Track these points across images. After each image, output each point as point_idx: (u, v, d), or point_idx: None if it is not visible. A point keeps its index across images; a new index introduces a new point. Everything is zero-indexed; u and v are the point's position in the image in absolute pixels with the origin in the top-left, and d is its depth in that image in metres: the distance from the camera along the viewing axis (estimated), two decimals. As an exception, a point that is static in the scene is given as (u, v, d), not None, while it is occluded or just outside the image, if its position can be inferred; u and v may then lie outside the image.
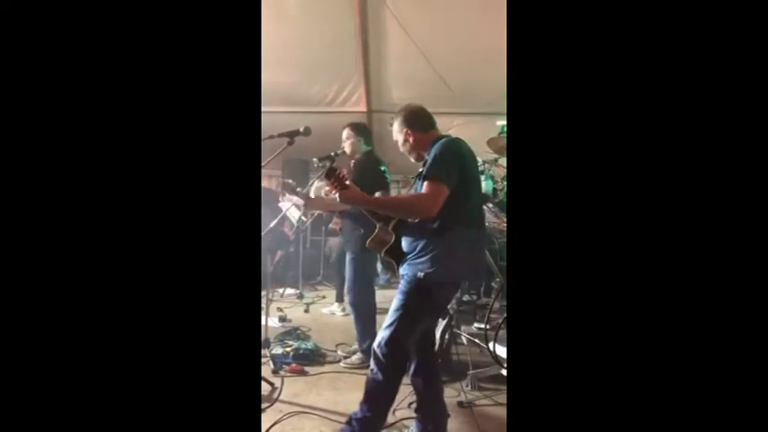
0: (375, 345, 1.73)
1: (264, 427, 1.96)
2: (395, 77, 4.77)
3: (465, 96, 4.66)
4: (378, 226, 1.89)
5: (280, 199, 4.15)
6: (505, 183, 2.85)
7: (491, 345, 2.21)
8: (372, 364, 1.73)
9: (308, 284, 5.44)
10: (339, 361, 2.83)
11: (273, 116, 3.86)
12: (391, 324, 1.69)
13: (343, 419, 2.08)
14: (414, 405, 1.92)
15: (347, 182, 1.70)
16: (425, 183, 1.64)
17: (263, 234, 2.56)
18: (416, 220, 1.73)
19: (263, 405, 2.20)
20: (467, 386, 2.46)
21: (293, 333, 3.32)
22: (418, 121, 1.85)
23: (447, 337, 2.65)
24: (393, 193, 3.46)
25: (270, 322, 3.09)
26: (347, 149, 2.82)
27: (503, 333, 2.27)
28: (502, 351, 2.29)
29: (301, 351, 2.90)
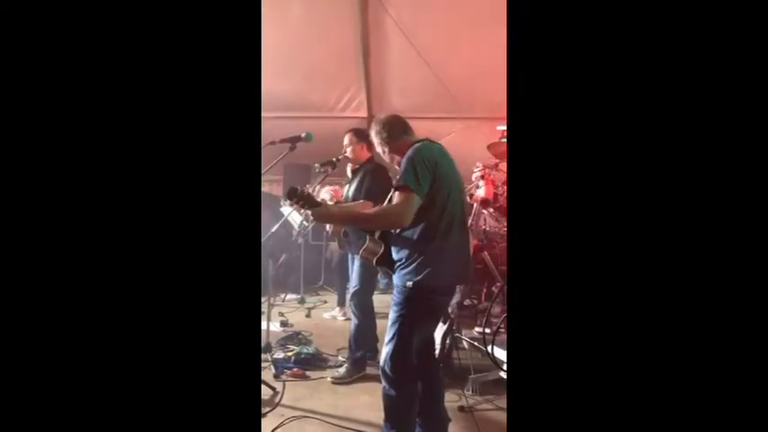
0: (381, 362, 1.73)
1: (266, 431, 1.96)
2: (395, 83, 4.79)
3: (465, 102, 4.67)
4: (367, 237, 1.87)
5: (282, 203, 4.17)
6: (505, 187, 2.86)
7: (489, 348, 2.21)
8: (384, 381, 1.74)
9: (310, 289, 5.44)
10: (340, 365, 2.83)
11: (275, 122, 3.87)
12: (392, 339, 1.70)
13: (344, 424, 2.09)
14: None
15: (318, 199, 1.70)
16: (395, 193, 1.65)
17: (264, 239, 2.57)
18: (396, 231, 1.72)
19: (265, 409, 2.21)
20: (468, 390, 2.46)
21: (294, 338, 3.32)
22: (389, 130, 1.87)
23: (448, 341, 2.65)
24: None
25: (271, 327, 3.09)
26: (349, 155, 2.83)
27: (503, 336, 2.27)
28: (501, 354, 2.29)
29: (302, 355, 2.90)
